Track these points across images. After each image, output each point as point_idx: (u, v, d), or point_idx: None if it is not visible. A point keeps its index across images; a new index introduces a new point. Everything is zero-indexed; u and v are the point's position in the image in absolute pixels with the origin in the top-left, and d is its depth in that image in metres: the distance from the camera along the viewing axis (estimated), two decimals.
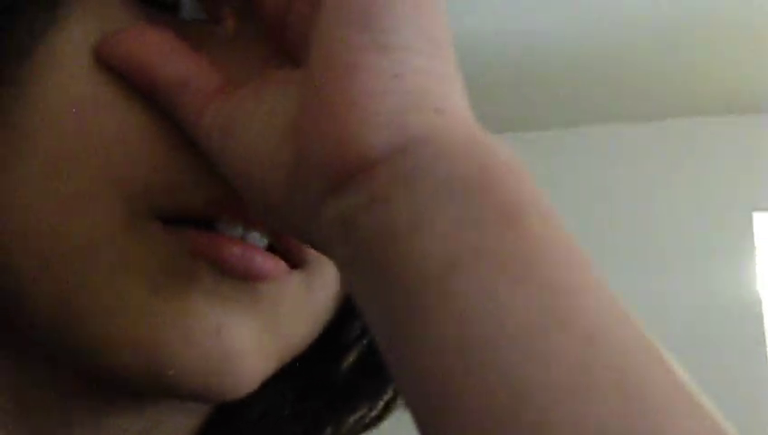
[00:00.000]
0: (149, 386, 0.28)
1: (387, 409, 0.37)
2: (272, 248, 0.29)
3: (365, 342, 0.36)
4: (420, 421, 0.21)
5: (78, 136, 0.27)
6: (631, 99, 2.31)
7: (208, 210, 0.28)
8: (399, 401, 0.37)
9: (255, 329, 0.29)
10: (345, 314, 0.34)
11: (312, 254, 0.30)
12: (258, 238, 0.29)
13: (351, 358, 0.36)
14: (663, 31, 2.02)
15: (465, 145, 0.23)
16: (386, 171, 0.23)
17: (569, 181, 2.34)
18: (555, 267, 0.21)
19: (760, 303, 2.44)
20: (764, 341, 2.41)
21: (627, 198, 2.36)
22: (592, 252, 0.21)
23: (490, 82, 2.11)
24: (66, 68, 0.28)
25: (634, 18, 1.98)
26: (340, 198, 0.23)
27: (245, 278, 0.28)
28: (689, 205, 2.38)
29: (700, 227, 2.36)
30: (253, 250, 0.28)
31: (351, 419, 0.37)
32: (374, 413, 0.37)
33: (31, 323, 0.28)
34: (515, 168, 0.23)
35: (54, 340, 0.28)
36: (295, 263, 0.30)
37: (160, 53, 0.28)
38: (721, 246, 2.41)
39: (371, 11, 0.24)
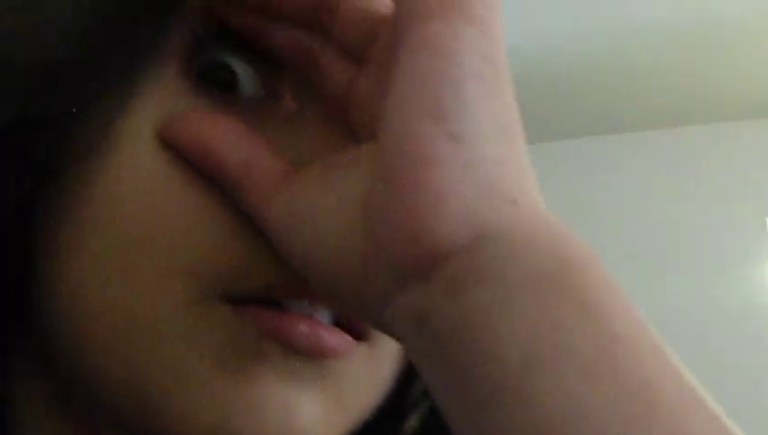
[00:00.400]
0: None
1: None
2: (336, 321, 0.30)
3: (427, 404, 0.36)
4: None
5: (144, 218, 0.27)
6: (645, 107, 2.31)
7: (276, 291, 0.29)
8: None
9: (322, 403, 0.29)
10: (407, 377, 0.34)
11: None
12: (324, 313, 0.29)
13: (414, 421, 0.36)
14: (676, 36, 2.02)
15: (540, 238, 0.23)
16: (460, 264, 0.22)
17: (584, 188, 2.34)
18: (639, 367, 0.20)
19: None
20: None
21: (640, 204, 2.36)
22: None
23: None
24: (132, 151, 0.28)
25: (646, 25, 1.98)
26: (413, 290, 0.23)
27: (313, 355, 0.29)
28: (703, 210, 2.37)
29: (714, 233, 2.36)
30: (319, 327, 0.28)
31: None
32: None
33: (102, 394, 0.29)
34: (590, 260, 0.22)
35: (125, 413, 0.29)
36: (360, 335, 0.30)
37: (223, 137, 0.28)
38: (734, 252, 2.40)
39: (442, 100, 0.24)
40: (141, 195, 0.28)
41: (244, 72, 0.30)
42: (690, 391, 0.20)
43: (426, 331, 0.23)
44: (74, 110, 0.28)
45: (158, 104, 0.29)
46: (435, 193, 0.23)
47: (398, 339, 0.25)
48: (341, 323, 0.30)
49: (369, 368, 0.31)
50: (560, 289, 0.21)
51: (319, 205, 0.26)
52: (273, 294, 0.29)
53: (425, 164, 0.23)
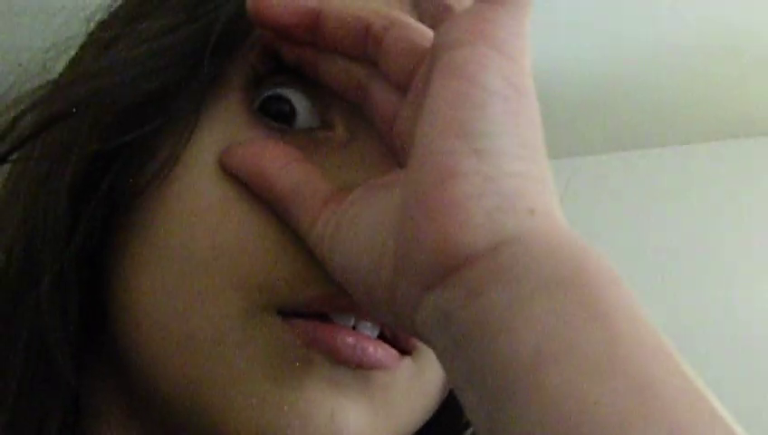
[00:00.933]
0: None
1: None
2: (383, 336, 0.31)
3: None
4: None
5: (204, 237, 0.30)
6: (703, 120, 2.29)
7: (323, 304, 0.30)
8: None
9: (368, 414, 0.31)
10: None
11: None
12: (370, 328, 0.31)
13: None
14: (720, 48, 2.00)
15: (555, 245, 0.24)
16: (482, 268, 0.24)
17: (642, 200, 2.33)
18: (642, 365, 0.21)
19: None
20: None
21: (694, 216, 2.33)
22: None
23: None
24: (196, 177, 0.31)
25: (681, 40, 1.97)
26: (440, 292, 0.25)
27: (359, 367, 0.30)
28: (756, 222, 2.35)
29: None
30: (365, 340, 0.30)
31: None
32: None
33: (161, 401, 0.31)
34: (604, 268, 0.23)
35: (182, 420, 0.31)
36: (405, 350, 0.32)
37: (277, 163, 0.30)
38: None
39: (468, 119, 0.25)
40: (203, 216, 0.30)
41: (300, 104, 0.33)
42: (693, 389, 0.21)
43: (449, 330, 0.24)
44: (146, 141, 0.32)
45: (221, 135, 0.32)
46: (459, 203, 0.24)
47: (427, 342, 0.26)
48: (387, 338, 0.31)
49: (415, 381, 0.32)
50: (571, 292, 0.22)
51: (359, 221, 0.28)
52: (320, 307, 0.31)
53: (450, 177, 0.25)
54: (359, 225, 0.28)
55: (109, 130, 0.31)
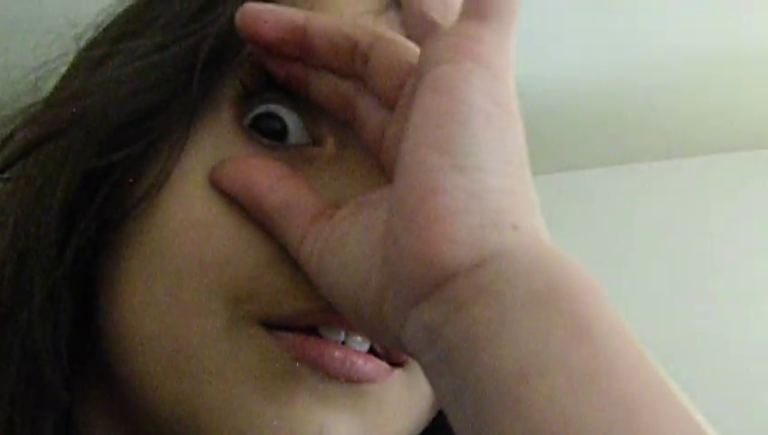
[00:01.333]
0: None
1: None
2: (373, 350, 0.31)
3: None
4: None
5: (192, 250, 0.30)
6: (731, 131, 2.29)
7: (311, 318, 0.31)
8: None
9: (358, 426, 0.31)
10: None
11: None
12: (360, 341, 0.31)
13: None
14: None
15: (538, 261, 0.24)
16: (465, 284, 0.24)
17: (667, 211, 2.32)
18: (623, 381, 0.21)
19: None
20: None
21: (723, 228, 2.32)
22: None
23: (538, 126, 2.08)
24: (185, 191, 0.31)
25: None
26: (425, 308, 0.25)
27: (348, 381, 0.30)
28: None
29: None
30: (354, 354, 0.30)
31: None
32: None
33: (151, 415, 0.31)
34: (586, 283, 0.24)
35: (173, 429, 0.31)
36: (396, 363, 0.32)
37: (266, 180, 0.31)
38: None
39: (451, 135, 0.26)
40: (192, 230, 0.31)
41: (291, 120, 0.33)
42: (672, 402, 0.21)
43: (435, 346, 0.24)
44: (138, 157, 0.32)
45: (211, 151, 0.32)
46: (442, 219, 0.25)
47: (415, 357, 0.26)
48: (378, 350, 0.31)
49: (406, 393, 0.32)
50: (554, 308, 0.23)
51: (346, 238, 0.29)
52: (309, 320, 0.31)
53: (433, 193, 0.25)
54: (347, 242, 0.28)
55: (100, 147, 0.32)
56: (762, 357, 2.09)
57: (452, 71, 0.27)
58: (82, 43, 0.37)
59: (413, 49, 0.31)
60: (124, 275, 0.31)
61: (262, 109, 0.33)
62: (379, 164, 0.32)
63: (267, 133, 0.33)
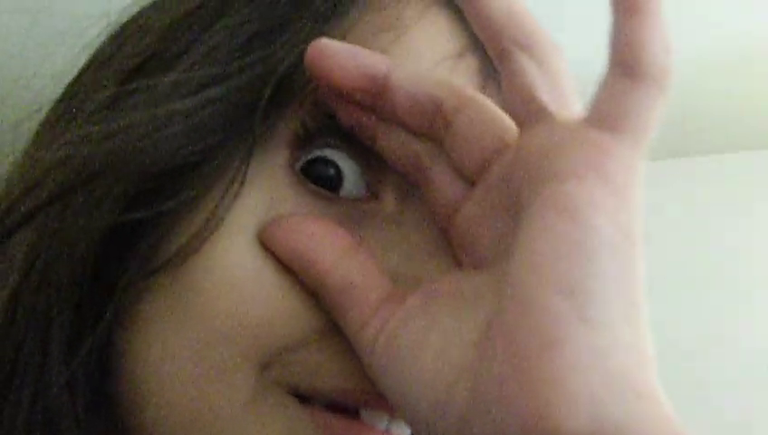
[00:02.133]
0: None
1: None
2: None
3: None
4: None
5: (233, 314, 0.27)
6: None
7: (351, 398, 0.28)
8: None
9: None
10: None
11: None
12: (404, 429, 0.29)
13: None
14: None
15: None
16: None
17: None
18: None
19: None
20: None
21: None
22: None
23: None
24: (231, 245, 0.28)
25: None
26: None
27: None
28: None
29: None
30: None
31: None
32: None
33: None
34: None
35: None
36: None
37: (329, 255, 0.27)
38: None
39: (574, 274, 0.23)
40: (234, 289, 0.27)
41: (349, 169, 0.30)
42: None
43: None
44: (183, 205, 0.28)
45: (262, 199, 0.28)
46: (563, 378, 0.22)
47: None
48: None
49: None
50: None
51: (422, 343, 0.26)
52: (349, 400, 0.28)
53: (553, 345, 0.22)
54: (421, 348, 0.25)
55: (137, 198, 0.27)
56: None
57: (577, 191, 0.23)
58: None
59: (504, 122, 0.27)
60: (149, 329, 0.28)
61: (318, 153, 0.29)
62: (445, 236, 0.29)
63: (319, 179, 0.29)
